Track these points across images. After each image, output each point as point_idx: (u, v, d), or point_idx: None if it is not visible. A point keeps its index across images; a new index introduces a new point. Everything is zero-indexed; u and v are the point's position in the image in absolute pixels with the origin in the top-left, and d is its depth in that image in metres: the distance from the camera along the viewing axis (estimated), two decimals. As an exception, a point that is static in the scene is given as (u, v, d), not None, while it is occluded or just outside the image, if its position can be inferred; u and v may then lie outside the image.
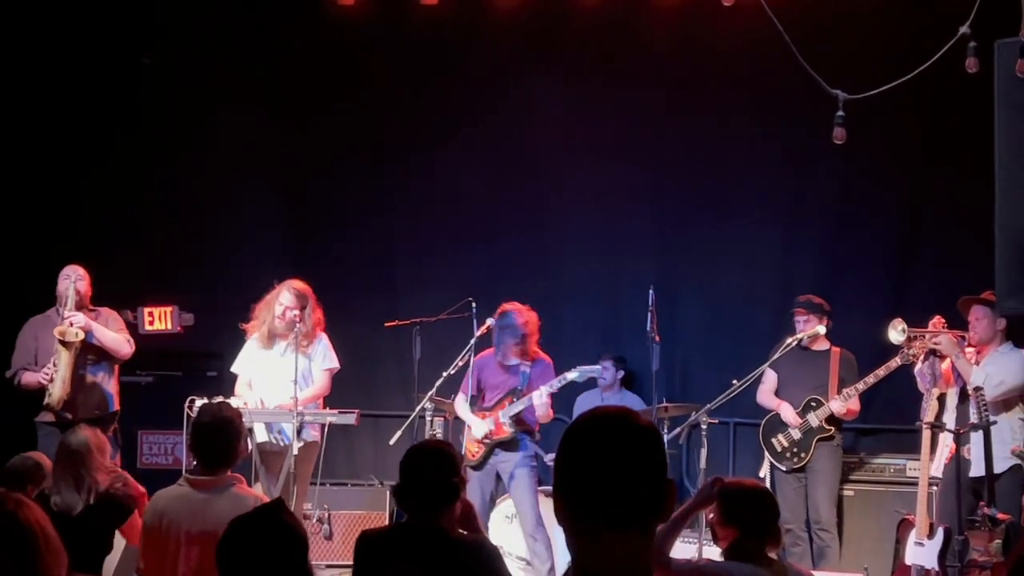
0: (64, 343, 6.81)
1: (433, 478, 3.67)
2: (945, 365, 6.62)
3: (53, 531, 3.34)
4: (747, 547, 3.68)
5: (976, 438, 6.41)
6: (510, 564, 5.72)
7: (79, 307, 6.99)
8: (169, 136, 8.80)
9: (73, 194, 8.75)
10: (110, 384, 7.15)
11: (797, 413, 7.19)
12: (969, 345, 6.69)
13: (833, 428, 7.18)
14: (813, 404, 7.19)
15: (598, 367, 7.41)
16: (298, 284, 6.95)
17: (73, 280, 6.97)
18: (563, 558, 7.18)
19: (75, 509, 5.06)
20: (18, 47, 8.58)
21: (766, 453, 7.33)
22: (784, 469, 7.27)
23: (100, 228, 8.73)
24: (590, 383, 8.47)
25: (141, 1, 8.68)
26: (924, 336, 6.60)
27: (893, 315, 7.52)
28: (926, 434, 6.21)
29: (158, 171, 8.82)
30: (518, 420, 7.07)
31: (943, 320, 6.66)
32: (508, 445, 7.10)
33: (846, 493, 7.43)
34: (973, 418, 6.23)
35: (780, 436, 7.26)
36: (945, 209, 8.06)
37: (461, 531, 3.90)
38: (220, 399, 5.73)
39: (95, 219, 8.79)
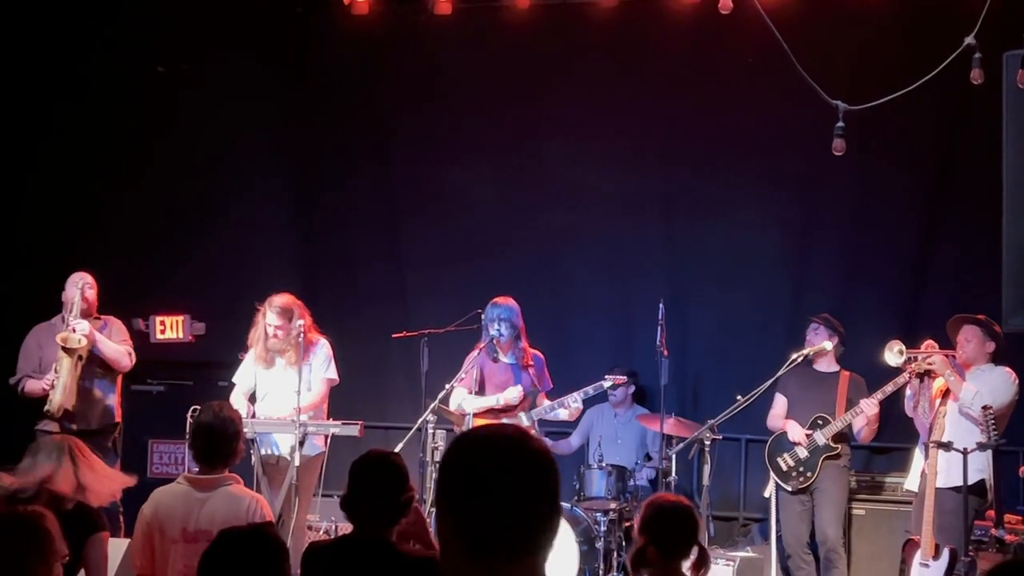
0: (66, 349, 6.73)
1: (383, 492, 3.62)
2: (938, 385, 6.48)
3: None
4: (648, 555, 3.77)
5: (945, 454, 6.28)
6: None
7: (85, 315, 6.89)
8: (181, 145, 8.83)
9: (85, 202, 8.79)
10: (113, 397, 7.07)
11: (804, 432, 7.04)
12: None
13: (840, 446, 7.01)
14: (820, 422, 7.03)
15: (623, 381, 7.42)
16: (278, 300, 6.79)
17: (80, 287, 6.87)
18: None
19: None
20: (31, 56, 8.64)
21: (771, 473, 7.18)
22: (790, 489, 7.08)
23: (112, 236, 8.75)
24: (601, 396, 8.41)
25: (155, 10, 8.71)
26: (917, 357, 6.47)
27: (906, 332, 7.41)
28: (933, 453, 6.08)
29: (171, 180, 8.87)
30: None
31: (935, 343, 6.54)
32: None
33: (856, 512, 7.30)
34: (981, 437, 6.10)
35: (786, 455, 7.07)
36: (958, 224, 7.93)
37: (412, 544, 3.86)
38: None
39: (107, 227, 8.82)
